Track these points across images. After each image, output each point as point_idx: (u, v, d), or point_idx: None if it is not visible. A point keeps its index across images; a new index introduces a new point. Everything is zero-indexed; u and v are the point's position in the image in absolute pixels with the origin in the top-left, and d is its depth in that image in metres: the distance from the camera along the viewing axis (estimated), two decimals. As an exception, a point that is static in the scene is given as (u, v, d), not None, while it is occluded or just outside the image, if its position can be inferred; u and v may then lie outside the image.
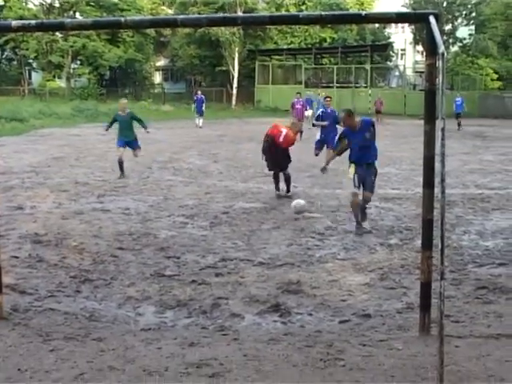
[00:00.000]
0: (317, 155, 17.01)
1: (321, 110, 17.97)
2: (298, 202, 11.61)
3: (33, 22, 5.81)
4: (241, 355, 5.11)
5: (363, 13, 5.54)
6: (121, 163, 16.16)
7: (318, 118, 17.31)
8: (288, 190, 13.55)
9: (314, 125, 18.07)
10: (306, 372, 4.76)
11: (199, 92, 38.55)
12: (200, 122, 36.01)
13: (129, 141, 16.56)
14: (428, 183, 5.44)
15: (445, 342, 4.28)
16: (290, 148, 13.64)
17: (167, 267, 8.21)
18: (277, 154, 13.37)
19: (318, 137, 17.44)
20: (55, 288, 7.23)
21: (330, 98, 18.52)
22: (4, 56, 66.41)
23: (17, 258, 8.36)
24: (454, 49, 62.91)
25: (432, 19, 4.87)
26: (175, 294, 7.12)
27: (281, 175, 13.54)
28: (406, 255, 8.74)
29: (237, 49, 59.05)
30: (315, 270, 8.05)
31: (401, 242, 9.46)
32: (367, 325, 6.12)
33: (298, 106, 29.91)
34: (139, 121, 17.05)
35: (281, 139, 13.24)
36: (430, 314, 5.52)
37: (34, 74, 68.57)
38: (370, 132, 10.21)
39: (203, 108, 36.64)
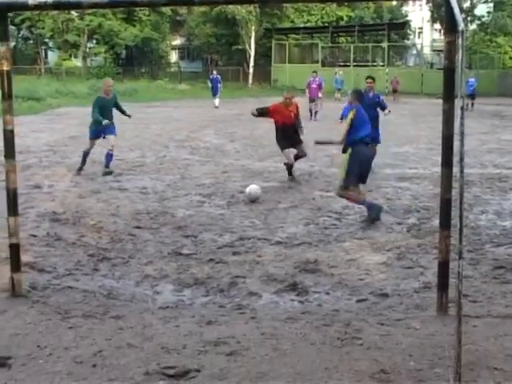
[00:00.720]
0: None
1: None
2: (256, 190, 11.12)
3: (49, 0, 5.79)
4: (258, 334, 5.12)
5: (382, -10, 5.45)
6: (86, 154, 13.74)
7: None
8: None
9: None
10: (324, 350, 4.77)
11: (215, 72, 38.04)
12: (216, 101, 35.43)
13: (106, 128, 13.62)
14: (446, 162, 5.40)
15: (462, 322, 4.27)
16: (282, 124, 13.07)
17: (185, 246, 8.25)
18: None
19: None
20: (73, 266, 7.27)
21: (373, 79, 14.32)
22: (20, 35, 66.44)
23: (35, 236, 8.40)
24: (473, 27, 62.21)
25: (452, -4, 4.81)
26: (193, 273, 7.16)
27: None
28: (423, 235, 8.71)
29: (253, 27, 58.83)
30: (333, 249, 8.05)
31: (418, 222, 9.43)
32: (385, 304, 6.13)
33: (314, 86, 29.32)
34: (122, 110, 14.46)
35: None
36: (447, 294, 5.51)
37: (50, 53, 68.77)
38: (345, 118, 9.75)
39: (219, 88, 36.07)
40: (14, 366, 4.50)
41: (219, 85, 36.08)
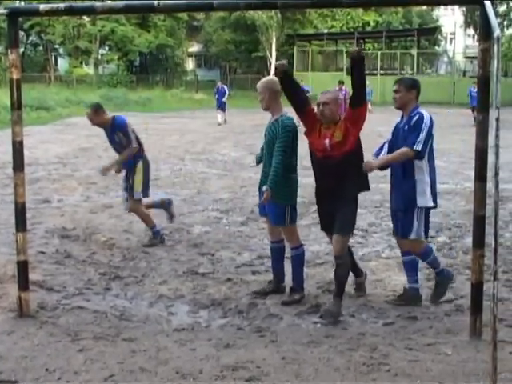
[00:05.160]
0: None
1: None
2: None
3: (61, 5, 5.87)
4: (279, 358, 5.12)
5: (412, -6, 5.47)
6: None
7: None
8: None
9: None
10: (349, 377, 4.76)
11: (219, 83, 34.94)
12: (220, 117, 31.81)
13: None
14: (480, 177, 5.39)
15: (498, 348, 4.25)
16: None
17: (201, 264, 8.26)
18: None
19: None
20: (84, 285, 7.31)
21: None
22: (29, 41, 67.19)
23: (44, 253, 8.46)
24: (509, 32, 62.01)
25: (487, 1, 4.82)
26: (210, 293, 7.17)
27: None
28: (454, 254, 8.67)
29: (274, 33, 59.13)
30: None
31: (449, 240, 9.39)
32: (413, 328, 6.09)
33: (341, 97, 28.45)
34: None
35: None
36: (481, 318, 5.48)
37: (60, 60, 69.57)
38: None
39: (224, 101, 32.39)
40: (21, 391, 4.55)
41: (225, 97, 32.64)
